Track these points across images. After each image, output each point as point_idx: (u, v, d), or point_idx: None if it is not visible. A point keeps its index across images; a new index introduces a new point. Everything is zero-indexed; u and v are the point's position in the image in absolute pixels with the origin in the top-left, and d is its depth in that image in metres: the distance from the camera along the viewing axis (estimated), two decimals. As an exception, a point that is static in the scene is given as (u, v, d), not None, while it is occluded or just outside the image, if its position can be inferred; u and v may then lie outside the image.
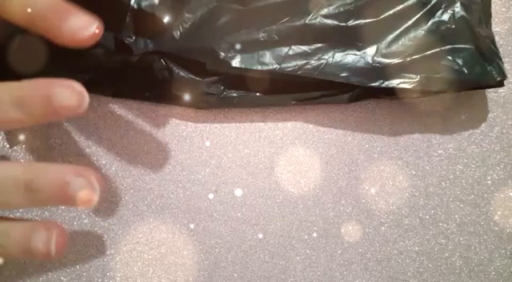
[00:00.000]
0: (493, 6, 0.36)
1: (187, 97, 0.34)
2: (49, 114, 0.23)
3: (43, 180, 0.23)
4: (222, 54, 0.33)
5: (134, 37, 0.33)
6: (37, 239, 0.23)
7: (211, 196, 0.33)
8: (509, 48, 0.36)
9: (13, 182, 0.22)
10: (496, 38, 0.35)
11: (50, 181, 0.23)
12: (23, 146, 0.33)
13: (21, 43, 0.32)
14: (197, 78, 0.34)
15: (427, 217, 0.33)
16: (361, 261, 0.32)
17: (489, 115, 0.34)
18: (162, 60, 0.33)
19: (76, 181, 0.23)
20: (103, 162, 0.33)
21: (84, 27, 0.23)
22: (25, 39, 0.32)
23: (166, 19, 0.34)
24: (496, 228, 0.32)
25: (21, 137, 0.33)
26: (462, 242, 0.32)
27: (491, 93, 0.35)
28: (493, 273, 0.32)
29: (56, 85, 0.23)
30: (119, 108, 0.34)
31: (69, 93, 0.23)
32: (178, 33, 0.34)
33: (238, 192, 0.33)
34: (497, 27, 0.36)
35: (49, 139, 0.34)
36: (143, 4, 0.35)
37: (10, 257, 0.24)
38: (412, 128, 0.34)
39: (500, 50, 0.34)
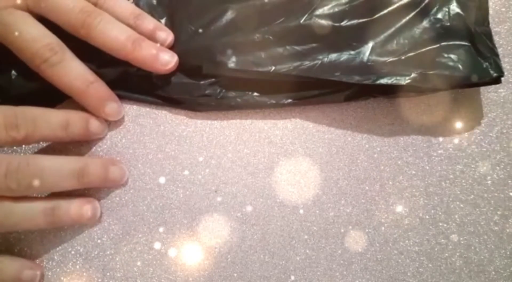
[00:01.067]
0: (493, 6, 0.36)
1: (185, 100, 0.34)
2: (82, 137, 0.32)
3: (91, 168, 0.31)
4: (218, 56, 0.33)
5: None
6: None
7: (204, 193, 0.33)
8: (509, 48, 0.36)
9: (68, 169, 0.30)
10: (496, 38, 0.35)
11: (95, 168, 0.31)
12: (23, 146, 0.34)
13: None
14: (194, 82, 0.34)
15: (427, 217, 0.33)
16: (361, 261, 0.32)
17: (489, 115, 0.34)
18: None
19: (113, 169, 0.32)
20: (103, 162, 0.33)
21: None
22: None
23: (163, 22, 0.35)
24: (496, 228, 0.32)
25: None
26: (462, 242, 0.32)
27: (491, 93, 0.35)
28: (493, 273, 0.32)
29: (91, 117, 0.33)
30: (119, 109, 0.34)
31: (99, 123, 0.33)
32: (175, 36, 0.34)
33: (162, 180, 0.33)
34: (497, 27, 0.36)
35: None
36: (141, 5, 0.35)
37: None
38: (412, 128, 0.34)
39: (500, 50, 0.34)
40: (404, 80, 0.31)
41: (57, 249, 0.32)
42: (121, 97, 0.34)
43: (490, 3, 0.35)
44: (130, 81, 0.34)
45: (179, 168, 0.33)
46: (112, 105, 0.33)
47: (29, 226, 0.30)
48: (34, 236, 0.32)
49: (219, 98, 0.34)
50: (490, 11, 0.35)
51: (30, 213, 0.29)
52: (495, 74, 0.31)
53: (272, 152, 0.34)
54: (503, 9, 0.36)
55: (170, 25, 0.35)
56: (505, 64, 0.35)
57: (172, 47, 0.34)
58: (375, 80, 0.31)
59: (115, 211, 0.32)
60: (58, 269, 0.31)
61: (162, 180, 0.33)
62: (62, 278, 0.31)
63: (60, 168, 0.29)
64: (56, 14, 0.32)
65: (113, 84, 0.33)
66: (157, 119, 0.34)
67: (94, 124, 0.33)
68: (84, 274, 0.31)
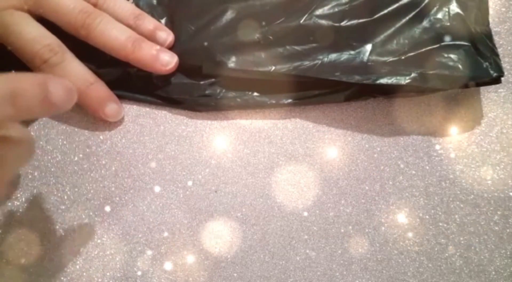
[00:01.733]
0: (493, 6, 0.36)
1: (185, 100, 0.34)
2: (41, 110, 0.23)
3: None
4: (218, 55, 0.33)
5: None
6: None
7: (204, 193, 0.33)
8: (509, 48, 0.36)
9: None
10: (496, 38, 0.35)
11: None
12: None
13: None
14: (194, 82, 0.34)
15: (427, 217, 0.32)
16: (361, 261, 0.32)
17: (489, 115, 0.34)
18: None
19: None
20: (103, 162, 0.33)
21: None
22: None
23: (163, 22, 0.35)
24: (496, 228, 0.32)
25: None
26: (462, 242, 0.32)
27: (491, 93, 0.35)
28: (493, 273, 0.32)
29: (50, 81, 0.23)
30: (119, 109, 0.34)
31: (62, 89, 0.23)
32: (175, 36, 0.34)
33: (162, 180, 0.33)
34: (497, 27, 0.36)
35: (48, 140, 0.34)
36: (141, 5, 0.35)
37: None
38: (412, 128, 0.34)
39: (500, 49, 0.34)
40: (404, 80, 0.31)
41: (57, 249, 0.32)
42: (121, 98, 0.34)
43: (490, 3, 0.35)
44: (130, 81, 0.34)
45: (179, 168, 0.33)
46: (112, 106, 0.33)
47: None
48: (34, 236, 0.32)
49: (219, 99, 0.34)
50: (490, 11, 0.35)
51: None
52: (495, 74, 0.31)
53: (272, 152, 0.34)
54: (503, 9, 0.36)
55: (170, 25, 0.35)
56: (505, 64, 0.35)
57: (172, 47, 0.34)
58: (375, 80, 0.31)
59: (115, 211, 0.32)
60: (58, 269, 0.31)
61: (162, 180, 0.33)
62: (62, 278, 0.31)
63: None
64: (56, 15, 0.32)
65: (113, 84, 0.33)
66: (157, 119, 0.34)
67: (55, 89, 0.23)
68: (84, 274, 0.31)
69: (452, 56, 0.32)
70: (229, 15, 0.34)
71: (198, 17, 0.34)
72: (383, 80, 0.31)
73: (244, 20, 0.34)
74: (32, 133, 0.34)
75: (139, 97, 0.34)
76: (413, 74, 0.31)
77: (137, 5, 0.35)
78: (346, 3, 0.33)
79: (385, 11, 0.33)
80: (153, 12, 0.35)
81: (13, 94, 0.22)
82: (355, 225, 0.32)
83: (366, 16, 0.33)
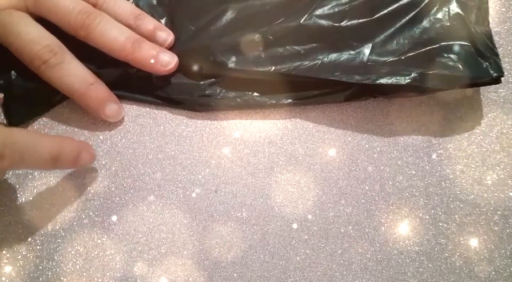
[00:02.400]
0: (493, 6, 0.36)
1: (185, 100, 0.34)
2: (68, 168, 0.32)
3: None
4: (218, 55, 0.33)
5: None
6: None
7: (204, 193, 0.33)
8: (509, 48, 0.36)
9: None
10: (496, 38, 0.35)
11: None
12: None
13: None
14: (194, 82, 0.34)
15: (427, 217, 0.32)
16: (361, 261, 0.32)
17: (489, 115, 0.34)
18: None
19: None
20: (103, 162, 0.33)
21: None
22: None
23: (163, 22, 0.35)
24: (496, 228, 0.32)
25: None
26: (462, 242, 0.32)
27: (491, 93, 0.35)
28: (493, 273, 0.32)
29: (83, 150, 0.31)
30: (119, 109, 0.34)
31: (89, 158, 0.31)
32: (175, 36, 0.34)
33: (162, 180, 0.33)
34: (497, 27, 0.36)
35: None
36: (141, 5, 0.35)
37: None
38: (412, 128, 0.34)
39: (500, 50, 0.34)
40: (404, 80, 0.31)
41: (57, 249, 0.32)
42: (121, 98, 0.34)
43: (490, 3, 0.35)
44: (130, 81, 0.34)
45: (179, 168, 0.33)
46: (112, 107, 0.33)
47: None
48: (34, 236, 0.32)
49: (219, 99, 0.34)
50: (490, 11, 0.35)
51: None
52: (495, 74, 0.31)
53: (272, 152, 0.34)
54: (503, 9, 0.36)
55: (170, 25, 0.35)
56: (505, 64, 0.35)
57: (172, 47, 0.34)
58: (375, 80, 0.31)
59: (115, 210, 0.32)
60: (58, 269, 0.31)
61: (162, 180, 0.33)
62: (62, 278, 0.31)
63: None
64: (56, 15, 0.32)
65: (113, 85, 0.33)
66: (157, 119, 0.34)
67: (84, 158, 0.31)
68: (84, 274, 0.31)
69: (452, 56, 0.32)
70: (229, 15, 0.34)
71: (198, 17, 0.34)
72: (383, 80, 0.31)
73: (244, 20, 0.34)
74: (32, 133, 0.34)
75: (139, 97, 0.34)
76: (413, 74, 0.31)
77: (137, 5, 0.35)
78: (346, 3, 0.33)
79: (385, 11, 0.33)
80: (153, 12, 0.35)
81: (56, 157, 0.29)
82: (355, 225, 0.32)
83: (366, 16, 0.33)
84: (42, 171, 0.33)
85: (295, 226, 0.32)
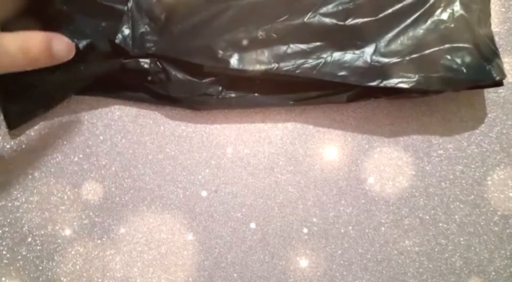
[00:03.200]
0: (493, 6, 0.36)
1: (185, 99, 0.34)
2: (46, 61, 0.30)
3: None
4: (221, 53, 0.33)
5: (129, 39, 0.33)
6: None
7: (204, 193, 0.33)
8: (509, 48, 0.36)
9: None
10: (496, 38, 0.35)
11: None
12: (23, 146, 0.33)
13: None
14: (195, 80, 0.34)
15: (427, 217, 0.33)
16: (361, 261, 0.32)
17: (489, 115, 0.34)
18: (158, 63, 0.33)
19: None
20: (103, 162, 0.33)
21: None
22: None
23: (163, 18, 0.35)
24: (496, 228, 0.32)
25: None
26: (462, 242, 0.32)
27: (491, 93, 0.35)
28: (493, 273, 0.32)
29: (54, 38, 0.29)
30: (119, 109, 0.34)
31: (62, 44, 0.30)
32: (175, 32, 0.34)
33: (163, 180, 0.33)
34: (497, 27, 0.36)
35: (49, 138, 0.34)
36: (141, 4, 0.35)
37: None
38: (412, 128, 0.34)
39: (500, 50, 0.34)
40: (409, 84, 0.31)
41: (57, 249, 0.32)
42: (120, 98, 0.34)
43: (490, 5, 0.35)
44: (127, 76, 0.34)
45: (179, 168, 0.33)
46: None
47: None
48: (34, 236, 0.32)
49: (220, 98, 0.34)
50: (490, 12, 0.35)
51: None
52: (498, 78, 0.31)
53: (272, 152, 0.34)
54: (503, 9, 0.36)
55: (170, 23, 0.35)
56: (505, 65, 0.35)
57: (172, 45, 0.34)
58: (379, 83, 0.31)
59: (115, 211, 0.32)
60: (58, 269, 0.31)
61: (162, 180, 0.33)
62: (62, 278, 0.31)
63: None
64: None
65: (110, 81, 0.33)
66: (157, 120, 0.34)
67: (58, 46, 0.30)
68: (84, 274, 0.31)
69: (456, 58, 0.32)
70: (231, 12, 0.34)
71: (199, 15, 0.34)
72: (388, 83, 0.31)
73: (247, 18, 0.34)
74: (32, 133, 0.34)
75: (137, 95, 0.34)
76: (417, 77, 0.31)
77: (137, 4, 0.35)
78: (350, 2, 0.33)
79: (390, 11, 0.33)
80: (153, 10, 0.35)
81: (24, 50, 0.28)
82: (355, 225, 0.32)
83: (371, 15, 0.33)
84: (18, 71, 0.30)
85: (295, 226, 0.32)
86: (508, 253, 0.32)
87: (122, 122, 0.34)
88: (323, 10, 0.33)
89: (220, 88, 0.34)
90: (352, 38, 0.33)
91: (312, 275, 0.31)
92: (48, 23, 0.32)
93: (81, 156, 0.33)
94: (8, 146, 0.33)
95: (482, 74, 0.32)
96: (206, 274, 0.31)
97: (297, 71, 0.32)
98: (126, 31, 0.33)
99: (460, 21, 0.33)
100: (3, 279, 0.31)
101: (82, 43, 0.33)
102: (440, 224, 0.32)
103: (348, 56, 0.33)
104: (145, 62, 0.33)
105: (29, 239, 0.32)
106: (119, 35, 0.33)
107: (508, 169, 0.33)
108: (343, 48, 0.33)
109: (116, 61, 0.33)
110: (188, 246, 0.32)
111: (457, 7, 0.33)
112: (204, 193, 0.33)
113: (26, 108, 0.34)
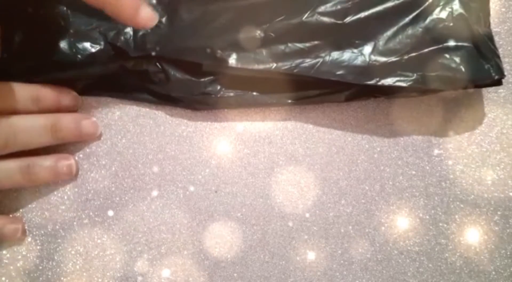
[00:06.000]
0: (493, 6, 0.36)
1: (184, 98, 0.34)
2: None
3: (63, 122, 0.31)
4: (219, 52, 0.33)
5: (130, 41, 0.33)
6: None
7: (204, 193, 0.33)
8: (509, 48, 0.36)
9: (42, 126, 0.30)
10: (496, 38, 0.35)
11: (67, 122, 0.31)
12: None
13: (26, 49, 0.32)
14: (194, 79, 0.34)
15: (427, 217, 0.33)
16: (361, 261, 0.32)
17: (489, 115, 0.34)
18: (157, 64, 0.33)
19: (85, 122, 0.32)
20: (103, 162, 0.33)
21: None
22: (30, 48, 0.32)
23: (164, 20, 0.35)
24: (496, 228, 0.32)
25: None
26: (462, 242, 0.32)
27: (491, 93, 0.35)
28: (493, 273, 0.32)
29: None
30: (119, 109, 0.34)
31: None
32: (175, 33, 0.34)
33: (163, 180, 0.33)
34: (497, 27, 0.36)
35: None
36: None
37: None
38: (412, 128, 0.34)
39: (500, 50, 0.34)
40: (407, 82, 0.31)
41: (57, 249, 0.32)
42: (119, 97, 0.34)
43: (490, 4, 0.35)
44: (127, 77, 0.34)
45: (179, 168, 0.33)
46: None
47: (9, 184, 0.30)
48: (34, 236, 0.32)
49: (219, 97, 0.34)
50: (490, 12, 0.35)
51: (7, 172, 0.30)
52: (496, 77, 0.31)
53: (272, 152, 0.34)
54: (503, 9, 0.36)
55: (170, 23, 0.35)
56: (505, 65, 0.35)
57: (172, 45, 0.34)
58: (377, 81, 0.31)
59: (115, 211, 0.32)
60: (58, 269, 0.31)
61: (162, 180, 0.33)
62: (62, 278, 0.31)
63: (33, 124, 0.30)
64: None
65: (110, 81, 0.33)
66: (157, 120, 0.34)
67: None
68: (84, 274, 0.31)
69: (454, 57, 0.32)
70: (230, 11, 0.34)
71: (198, 15, 0.34)
72: (386, 82, 0.31)
73: (245, 17, 0.34)
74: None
75: (137, 96, 0.34)
76: (415, 76, 0.31)
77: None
78: (348, 0, 0.33)
79: (388, 9, 0.33)
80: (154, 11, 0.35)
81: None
82: (355, 225, 0.32)
83: (369, 14, 0.33)
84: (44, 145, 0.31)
85: (295, 226, 0.32)
86: (508, 253, 0.32)
87: (122, 122, 0.34)
88: (321, 9, 0.33)
89: (219, 87, 0.34)
90: (350, 37, 0.33)
91: (312, 275, 0.31)
92: (49, 25, 0.32)
93: (81, 155, 0.33)
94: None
95: (481, 73, 0.31)
96: (206, 274, 0.31)
97: (295, 70, 0.32)
98: (127, 33, 0.33)
99: (459, 20, 0.33)
100: (3, 279, 0.31)
101: (83, 45, 0.33)
102: (440, 224, 0.32)
103: (347, 55, 0.33)
104: (144, 63, 0.33)
105: (29, 239, 0.32)
106: (121, 37, 0.33)
107: (508, 169, 0.33)
108: (341, 47, 0.33)
109: (116, 62, 0.33)
110: (188, 246, 0.32)
111: (456, 5, 0.33)
112: (204, 193, 0.33)
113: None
